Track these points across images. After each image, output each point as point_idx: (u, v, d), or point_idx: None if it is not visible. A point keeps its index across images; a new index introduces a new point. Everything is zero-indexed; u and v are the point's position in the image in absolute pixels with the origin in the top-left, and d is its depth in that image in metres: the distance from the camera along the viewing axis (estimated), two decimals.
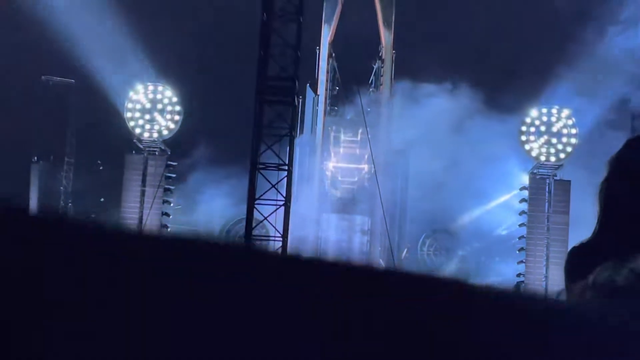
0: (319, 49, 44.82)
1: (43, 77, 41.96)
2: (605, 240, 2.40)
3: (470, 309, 1.30)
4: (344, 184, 45.94)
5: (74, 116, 42.71)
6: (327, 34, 44.85)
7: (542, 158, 40.13)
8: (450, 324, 1.27)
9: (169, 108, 40.52)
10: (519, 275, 40.43)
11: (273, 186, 26.30)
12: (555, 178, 40.08)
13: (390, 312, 1.26)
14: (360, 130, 44.04)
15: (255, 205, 26.12)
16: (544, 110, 40.78)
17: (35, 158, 39.32)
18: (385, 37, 44.99)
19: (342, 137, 46.12)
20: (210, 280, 1.17)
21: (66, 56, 38.86)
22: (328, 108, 46.14)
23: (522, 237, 40.29)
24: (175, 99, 40.61)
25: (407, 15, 44.27)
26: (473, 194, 43.68)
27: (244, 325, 1.16)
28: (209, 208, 44.36)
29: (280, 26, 25.99)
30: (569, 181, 39.16)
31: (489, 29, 43.55)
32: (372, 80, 47.22)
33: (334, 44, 45.38)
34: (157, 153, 40.38)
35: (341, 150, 46.22)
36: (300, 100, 38.64)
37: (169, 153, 40.56)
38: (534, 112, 40.75)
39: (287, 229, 26.60)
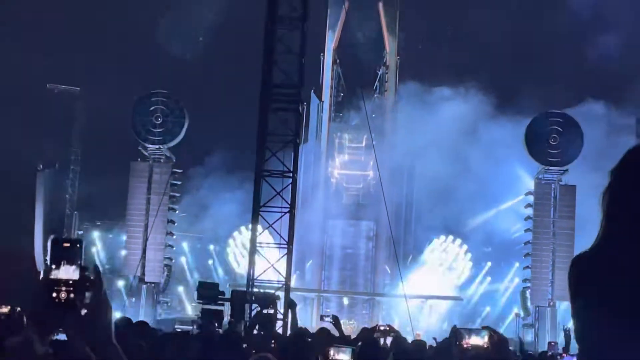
0: (324, 55, 44.90)
1: (48, 86, 42.07)
2: (607, 250, 2.39)
3: None
4: (350, 190, 45.95)
5: (79, 124, 42.80)
6: (331, 41, 44.92)
7: (547, 163, 40.04)
8: None
9: (174, 115, 40.58)
10: (524, 280, 40.34)
11: (278, 193, 26.26)
12: (560, 183, 39.99)
13: None
14: (365, 136, 44.05)
15: (261, 213, 26.08)
16: (550, 117, 40.70)
17: (41, 166, 39.38)
18: (390, 43, 45.04)
19: (347, 143, 46.16)
20: None
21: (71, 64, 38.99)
22: (333, 114, 46.20)
23: (528, 242, 40.21)
24: (180, 107, 40.67)
25: (412, 20, 44.30)
26: (479, 200, 43.63)
27: None
28: (213, 215, 44.40)
29: (285, 33, 25.98)
30: (574, 186, 39.07)
31: (495, 34, 43.51)
32: (376, 86, 47.28)
33: (338, 50, 45.45)
34: (162, 161, 40.44)
35: (346, 156, 46.24)
36: (305, 107, 38.66)
37: (174, 160, 40.60)
38: (539, 118, 40.69)
39: (293, 236, 26.54)
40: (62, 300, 3.15)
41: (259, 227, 26.99)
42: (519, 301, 41.16)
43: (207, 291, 25.93)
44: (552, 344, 30.09)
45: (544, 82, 40.67)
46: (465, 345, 6.90)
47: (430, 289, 43.92)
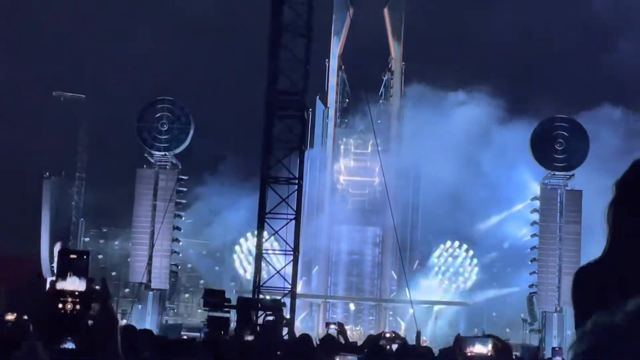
0: (329, 61, 44.93)
1: (54, 93, 42.17)
2: (612, 263, 2.38)
3: None
4: (355, 196, 45.92)
5: (85, 131, 42.89)
6: (336, 47, 44.94)
7: (554, 169, 39.97)
8: None
9: (180, 122, 40.62)
10: (531, 286, 40.22)
11: (283, 200, 26.28)
12: (566, 188, 39.89)
13: None
14: (370, 142, 44.04)
15: (266, 219, 26.10)
16: (555, 122, 40.64)
17: (47, 173, 39.43)
18: (395, 48, 45.05)
19: (353, 149, 46.17)
20: None
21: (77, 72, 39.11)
22: (338, 120, 46.21)
23: (534, 247, 40.09)
24: (185, 113, 40.72)
25: (418, 26, 44.33)
26: (486, 205, 43.54)
27: None
28: (220, 222, 44.42)
29: (290, 41, 26.03)
30: (581, 191, 38.95)
31: (502, 38, 43.55)
32: (381, 91, 47.29)
33: (343, 56, 45.48)
34: (168, 167, 40.45)
35: (352, 162, 46.24)
36: (310, 113, 38.69)
37: (180, 167, 40.62)
38: (544, 123, 40.64)
39: (298, 243, 26.55)
40: (68, 312, 3.17)
41: (265, 234, 27.00)
42: (525, 307, 41.06)
43: (213, 298, 25.93)
44: (557, 349, 30.00)
45: (556, 86, 40.57)
46: (469, 354, 6.91)
47: (437, 294, 43.88)
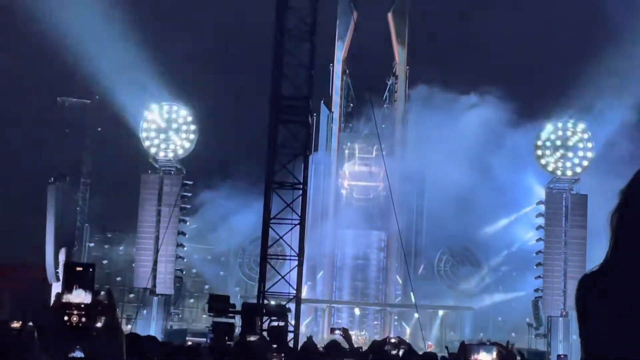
0: (333, 66, 44.97)
1: (59, 99, 42.21)
2: (615, 271, 2.37)
3: None
4: (360, 200, 45.91)
5: (89, 137, 42.93)
6: (340, 51, 44.98)
7: (559, 172, 39.95)
8: None
9: (184, 127, 40.67)
10: (537, 290, 40.14)
11: (288, 205, 26.29)
12: (572, 192, 39.83)
13: None
14: (375, 147, 44.06)
15: (271, 225, 26.10)
16: (560, 125, 40.62)
17: (52, 179, 39.46)
18: (399, 53, 45.07)
19: (357, 153, 46.18)
20: None
21: (82, 77, 39.12)
22: (342, 125, 46.23)
23: (540, 252, 40.03)
24: (190, 118, 40.76)
25: (421, 30, 44.35)
26: (492, 209, 43.47)
27: None
28: (224, 227, 44.43)
29: (294, 46, 26.05)
30: (586, 195, 38.90)
31: (505, 42, 43.53)
32: (386, 96, 47.31)
33: (347, 61, 45.51)
34: (172, 172, 40.45)
35: (356, 167, 46.25)
36: (315, 118, 38.71)
37: (185, 172, 40.64)
38: (549, 127, 40.62)
39: (303, 248, 26.55)
40: (74, 324, 3.18)
41: (269, 239, 27.00)
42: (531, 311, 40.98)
43: (218, 304, 25.93)
44: (562, 356, 29.87)
45: (562, 88, 40.40)
46: None
47: (442, 298, 43.83)
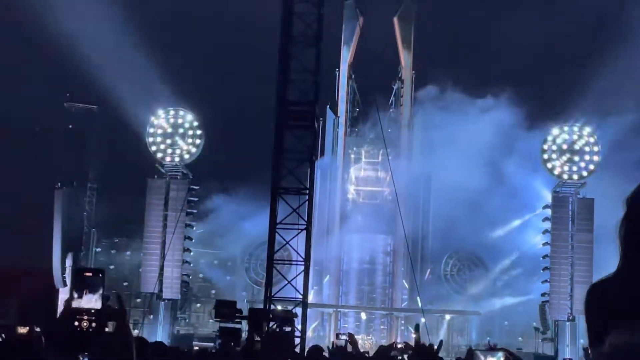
0: (339, 70, 45.00)
1: (66, 104, 42.32)
2: (625, 281, 2.37)
3: None
4: (366, 205, 45.92)
5: (96, 142, 43.02)
6: (346, 56, 45.02)
7: (565, 176, 39.89)
8: None
9: (190, 132, 40.75)
10: (543, 294, 40.08)
11: (294, 210, 26.31)
12: (578, 196, 39.76)
13: None
14: (381, 151, 44.08)
15: (277, 230, 26.13)
16: (566, 128, 40.57)
17: (59, 184, 39.55)
18: (405, 57, 45.09)
19: (363, 158, 46.19)
20: None
21: (89, 82, 39.24)
22: (348, 129, 46.25)
23: (546, 256, 39.96)
24: (196, 123, 40.84)
25: (428, 35, 44.35)
26: (498, 213, 43.39)
27: None
28: (231, 231, 44.46)
29: (300, 51, 26.10)
30: (593, 199, 38.82)
31: (512, 45, 43.51)
32: (392, 100, 47.32)
33: (353, 66, 45.55)
34: (179, 177, 40.54)
35: (362, 171, 46.26)
36: (321, 122, 38.74)
37: (191, 177, 40.71)
38: (555, 130, 40.58)
39: (309, 253, 26.57)
40: (84, 329, 3.20)
41: (276, 244, 27.01)
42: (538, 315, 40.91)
43: (225, 309, 25.95)
44: None
45: (564, 93, 40.39)
46: None
47: (449, 303, 43.78)
